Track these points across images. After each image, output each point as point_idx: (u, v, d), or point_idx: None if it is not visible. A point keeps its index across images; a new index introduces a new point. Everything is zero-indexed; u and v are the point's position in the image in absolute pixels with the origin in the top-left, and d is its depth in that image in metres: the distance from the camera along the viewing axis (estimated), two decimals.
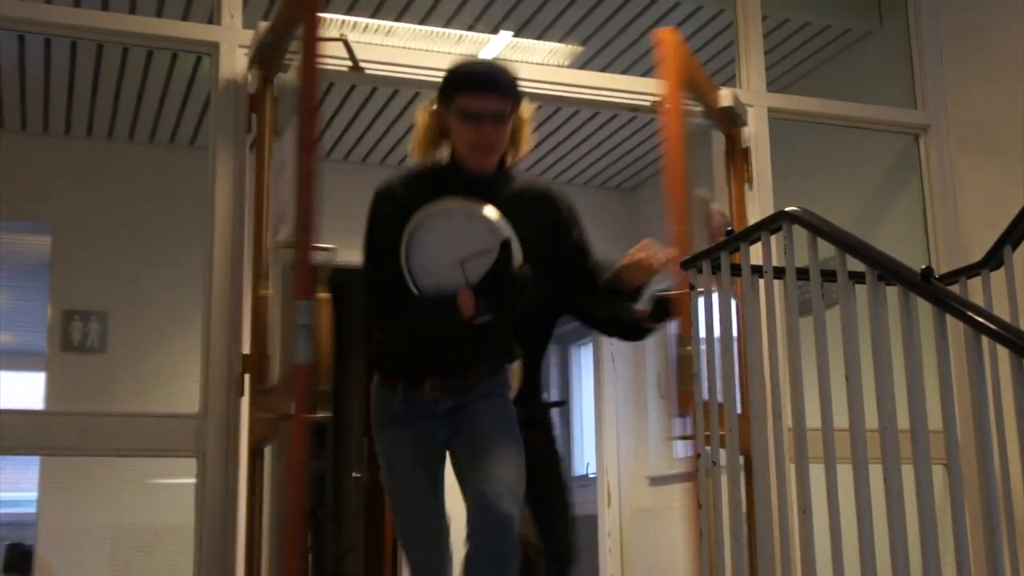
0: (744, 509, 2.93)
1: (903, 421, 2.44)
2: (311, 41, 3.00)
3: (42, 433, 3.53)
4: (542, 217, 2.89)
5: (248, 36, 3.85)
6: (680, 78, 3.67)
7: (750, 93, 4.45)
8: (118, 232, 6.34)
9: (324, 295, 3.01)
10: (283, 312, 3.11)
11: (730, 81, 4.56)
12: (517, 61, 5.32)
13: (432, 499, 2.79)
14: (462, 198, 2.73)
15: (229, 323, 3.65)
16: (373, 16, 5.06)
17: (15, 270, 8.77)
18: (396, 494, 2.80)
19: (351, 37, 5.05)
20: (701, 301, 3.01)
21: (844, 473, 2.48)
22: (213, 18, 3.93)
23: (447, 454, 2.83)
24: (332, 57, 3.95)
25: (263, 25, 3.69)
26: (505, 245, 2.63)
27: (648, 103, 4.34)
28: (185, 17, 4.65)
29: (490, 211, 2.66)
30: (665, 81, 3.65)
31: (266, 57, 3.70)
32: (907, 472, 2.44)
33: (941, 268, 4.25)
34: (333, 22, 5.07)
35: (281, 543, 2.82)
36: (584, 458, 8.76)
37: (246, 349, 3.64)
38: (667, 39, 3.67)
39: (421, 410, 2.77)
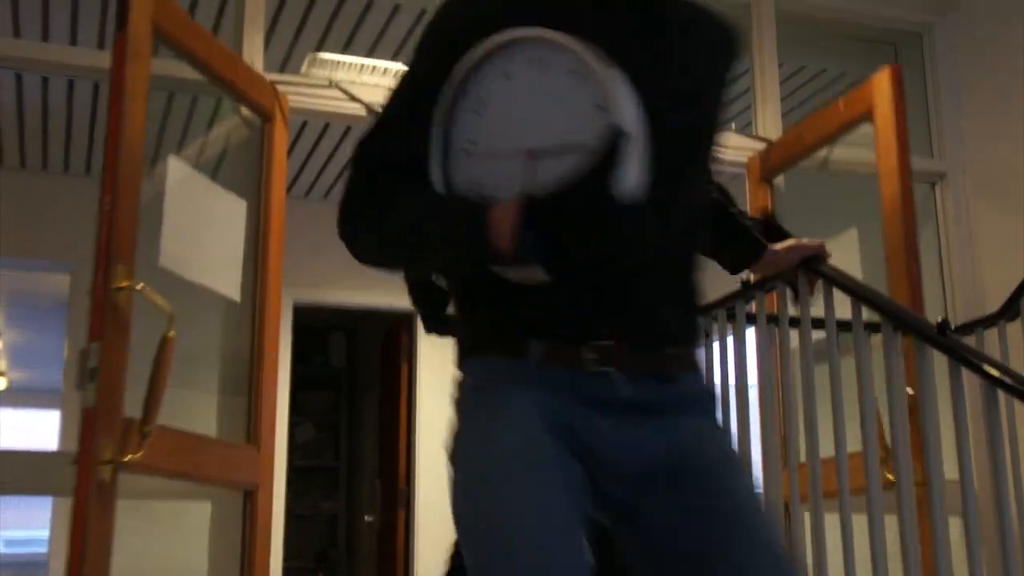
0: None
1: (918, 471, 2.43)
2: (117, 76, 2.97)
3: (56, 474, 3.52)
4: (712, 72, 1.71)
5: (270, 79, 3.89)
6: None
7: (767, 137, 4.45)
8: (138, 270, 6.35)
9: (171, 335, 2.94)
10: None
11: (747, 127, 4.56)
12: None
13: (573, 553, 1.45)
14: (583, 28, 1.50)
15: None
16: (394, 58, 5.09)
17: (34, 308, 8.82)
18: (503, 543, 1.48)
19: (371, 80, 5.10)
20: (717, 348, 3.01)
21: (859, 523, 2.47)
22: None
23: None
24: (338, 100, 3.99)
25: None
26: (616, 148, 1.40)
27: None
28: None
29: (615, 76, 1.44)
30: None
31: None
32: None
33: (958, 317, 4.23)
34: (351, 66, 5.11)
35: None
36: None
37: None
38: None
39: (573, 396, 1.53)
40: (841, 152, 4.24)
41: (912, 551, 2.39)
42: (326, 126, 5.86)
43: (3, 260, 6.50)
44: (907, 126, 3.73)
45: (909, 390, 2.87)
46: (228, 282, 3.46)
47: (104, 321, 2.73)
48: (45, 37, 4.82)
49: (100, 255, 2.77)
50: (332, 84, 3.95)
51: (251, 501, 3.42)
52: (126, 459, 2.73)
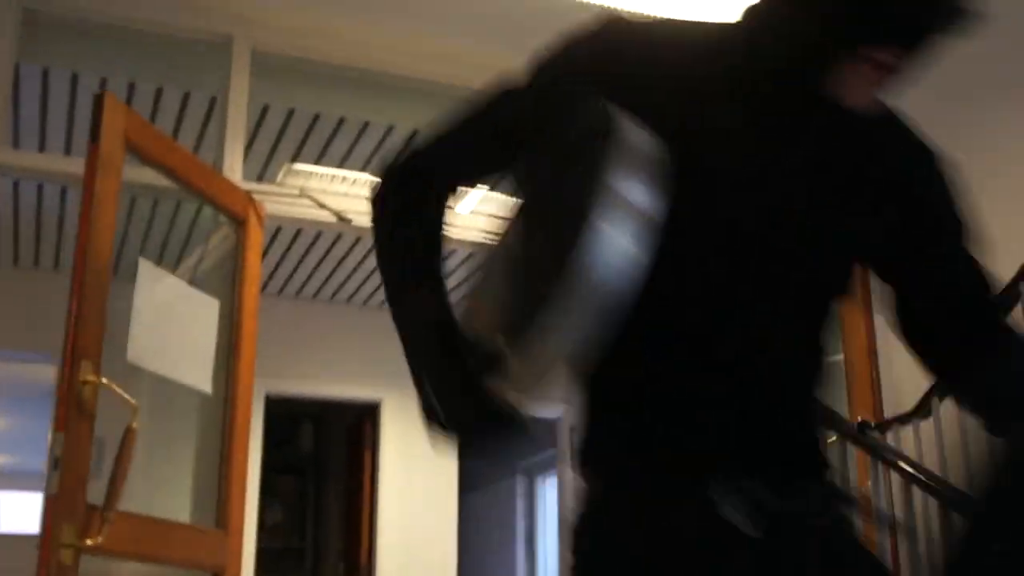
0: None
1: None
2: (87, 188, 2.98)
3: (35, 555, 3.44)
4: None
5: (248, 188, 3.89)
6: None
7: None
8: (120, 362, 6.29)
9: (133, 426, 2.92)
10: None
11: None
12: (490, 215, 5.38)
13: None
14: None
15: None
16: (363, 170, 5.14)
17: (21, 396, 8.69)
18: None
19: (342, 189, 5.13)
20: None
21: None
22: (215, 170, 3.97)
23: None
24: (311, 207, 4.00)
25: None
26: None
27: None
28: None
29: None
30: None
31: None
32: None
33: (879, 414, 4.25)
34: (323, 176, 5.14)
35: None
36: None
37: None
38: None
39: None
40: None
41: None
42: (298, 230, 5.87)
43: None
44: None
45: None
46: (199, 375, 3.43)
47: (68, 413, 2.71)
48: (16, 144, 4.83)
49: (67, 352, 2.76)
50: (302, 193, 3.97)
51: None
52: (88, 543, 2.66)
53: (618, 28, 1.25)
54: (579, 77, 1.22)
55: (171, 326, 3.33)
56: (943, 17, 1.14)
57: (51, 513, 2.61)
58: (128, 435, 2.81)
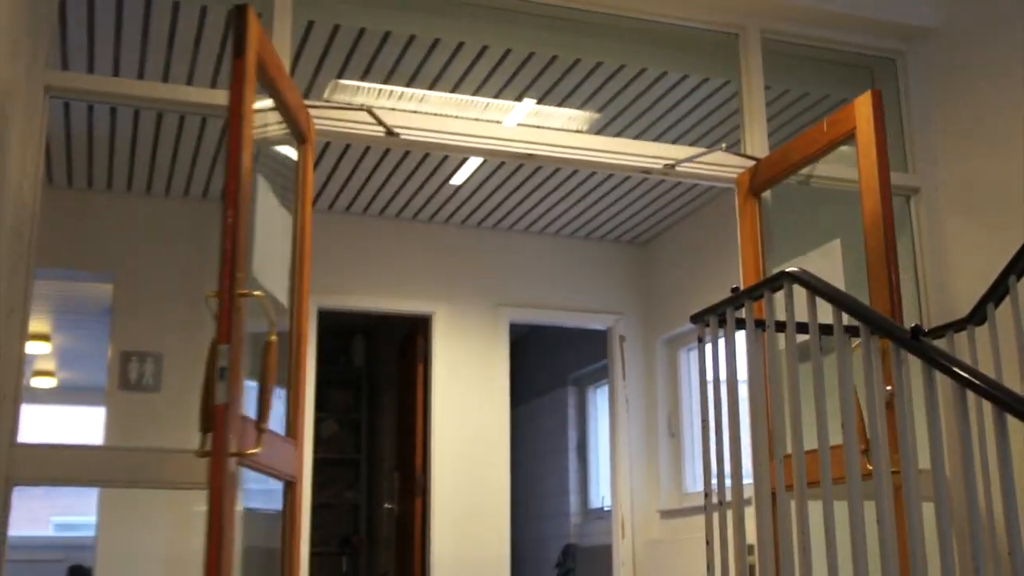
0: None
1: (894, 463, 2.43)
2: (234, 104, 2.97)
3: (102, 466, 3.55)
4: None
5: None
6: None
7: (755, 156, 4.47)
8: (173, 280, 6.41)
9: (272, 339, 2.98)
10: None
11: (736, 146, 4.57)
12: (539, 127, 5.37)
13: None
14: None
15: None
16: (408, 85, 5.12)
17: (80, 314, 8.87)
18: None
19: (388, 104, 5.13)
20: (709, 350, 3.02)
21: (840, 510, 2.48)
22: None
23: None
24: (367, 123, 4.00)
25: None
26: None
27: (659, 165, 4.36)
28: None
29: None
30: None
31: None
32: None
33: (932, 321, 4.23)
34: (371, 90, 5.14)
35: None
36: (600, 492, 8.72)
37: None
38: None
39: None
40: (824, 169, 4.25)
41: (889, 534, 2.40)
42: (347, 146, 5.89)
43: (52, 271, 6.54)
44: (887, 146, 3.73)
45: (888, 387, 2.88)
46: (282, 289, 3.51)
47: (231, 325, 2.75)
48: (90, 69, 4.87)
49: (225, 265, 2.81)
50: (363, 107, 3.95)
51: (291, 491, 3.45)
52: (249, 452, 2.78)
53: None
54: None
55: (269, 241, 3.39)
56: None
57: (221, 423, 2.67)
58: (270, 348, 2.88)
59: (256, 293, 2.88)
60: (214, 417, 2.68)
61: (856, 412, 2.66)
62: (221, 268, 2.83)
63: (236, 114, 2.94)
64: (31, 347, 9.23)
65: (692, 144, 4.92)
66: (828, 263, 4.04)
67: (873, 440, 2.43)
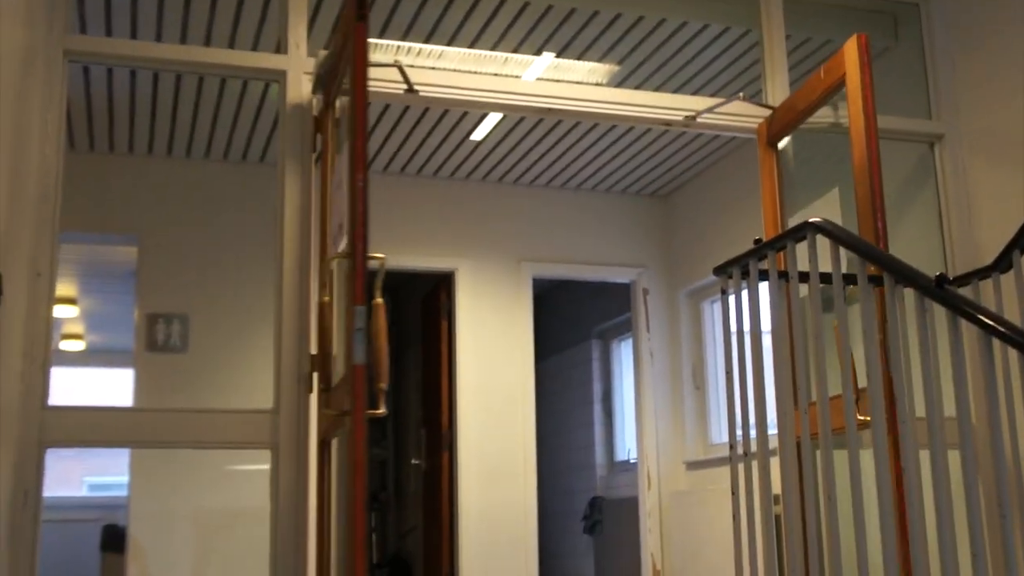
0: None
1: (921, 411, 2.43)
2: (360, 67, 3.01)
3: (133, 427, 3.60)
4: None
5: (312, 64, 3.90)
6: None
7: (772, 104, 4.43)
8: (197, 242, 6.44)
9: (379, 301, 3.03)
10: (343, 317, 3.11)
11: (757, 95, 4.54)
12: (558, 80, 5.34)
13: None
14: None
15: (298, 326, 3.69)
16: (426, 41, 5.10)
17: (106, 277, 8.93)
18: None
19: (406, 61, 5.10)
20: (732, 302, 3.01)
21: (868, 459, 2.48)
22: (280, 48, 3.97)
23: None
24: (388, 80, 3.99)
25: (322, 53, 3.71)
26: None
27: (680, 117, 4.33)
28: (255, 48, 4.71)
29: None
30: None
31: (326, 82, 3.74)
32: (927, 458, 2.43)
33: (957, 269, 4.21)
34: (389, 47, 5.12)
35: (347, 525, 2.83)
36: (626, 445, 8.76)
37: (313, 350, 3.68)
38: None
39: None
40: (828, 115, 4.20)
41: (913, 479, 2.41)
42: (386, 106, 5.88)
43: (76, 236, 6.59)
44: (874, 91, 3.65)
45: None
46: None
47: (364, 287, 2.85)
48: (108, 32, 4.87)
49: (357, 227, 2.86)
50: (395, 64, 3.94)
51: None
52: (379, 413, 2.88)
53: None
54: None
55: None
56: None
57: (360, 382, 2.76)
58: (379, 310, 2.94)
59: (380, 256, 2.95)
60: (352, 376, 2.75)
61: (881, 361, 2.66)
62: (352, 230, 2.88)
63: (361, 79, 2.97)
64: (59, 311, 9.32)
65: (713, 96, 4.88)
66: (828, 212, 4.01)
67: (897, 389, 2.43)
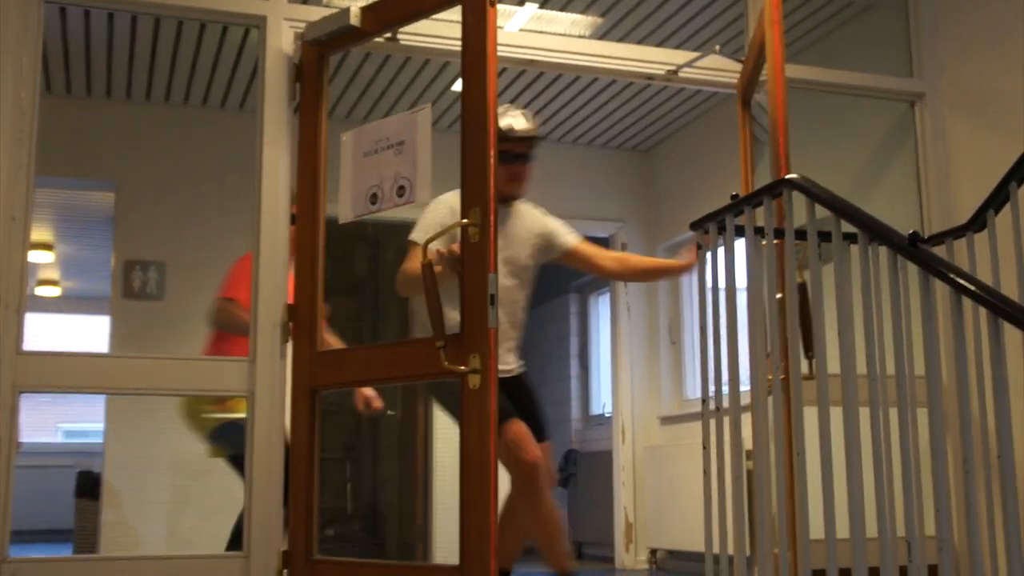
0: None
1: (892, 368, 2.46)
2: (491, 34, 3.10)
3: (108, 374, 3.60)
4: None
5: (293, 10, 3.86)
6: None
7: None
8: (175, 188, 6.41)
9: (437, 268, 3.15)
10: (469, 283, 3.10)
11: (739, 51, 4.53)
12: (540, 32, 5.31)
13: None
14: None
15: (276, 276, 3.69)
16: None
17: (82, 223, 8.88)
18: None
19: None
20: (709, 257, 3.03)
21: (836, 416, 2.52)
22: None
23: None
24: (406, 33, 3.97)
25: (353, 10, 3.59)
26: None
27: (662, 71, 4.33)
28: None
29: None
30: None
31: (339, 38, 3.66)
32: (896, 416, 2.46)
33: (933, 228, 4.24)
34: None
35: (476, 489, 2.92)
36: (601, 399, 8.82)
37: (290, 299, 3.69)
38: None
39: None
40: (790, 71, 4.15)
41: (883, 437, 2.45)
42: (346, 52, 5.83)
43: (53, 180, 6.54)
44: (783, 38, 3.56)
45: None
46: None
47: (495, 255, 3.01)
48: None
49: (490, 201, 3.02)
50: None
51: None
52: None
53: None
54: None
55: None
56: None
57: (494, 345, 2.97)
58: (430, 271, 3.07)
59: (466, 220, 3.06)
60: (483, 339, 2.95)
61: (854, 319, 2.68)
62: (486, 202, 3.01)
63: (493, 58, 3.09)
64: (34, 256, 9.27)
65: (697, 50, 4.87)
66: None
67: (869, 346, 2.46)
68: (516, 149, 3.68)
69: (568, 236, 4.01)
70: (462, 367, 2.97)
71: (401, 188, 3.37)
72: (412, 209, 3.54)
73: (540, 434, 3.64)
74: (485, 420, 2.92)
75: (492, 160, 3.03)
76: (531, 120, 3.75)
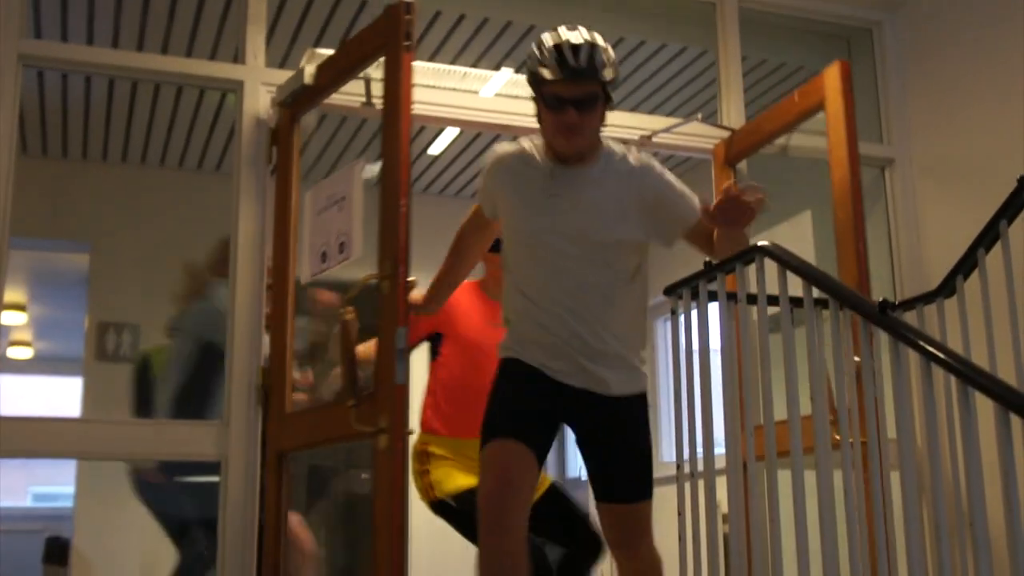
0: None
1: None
2: (405, 87, 3.11)
3: (81, 438, 3.57)
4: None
5: (270, 75, 3.90)
6: None
7: (731, 126, 4.49)
8: (150, 250, 6.40)
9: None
10: (381, 337, 3.07)
11: (712, 116, 4.60)
12: (516, 96, 5.37)
13: None
14: None
15: (250, 339, 3.69)
16: None
17: (57, 284, 8.84)
18: None
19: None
20: (682, 322, 3.05)
21: (810, 479, 2.53)
22: (238, 57, 3.98)
23: None
24: (347, 93, 4.00)
25: (308, 69, 3.66)
26: None
27: (635, 137, 4.38)
28: (212, 56, 4.71)
29: None
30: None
31: (302, 97, 3.71)
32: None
33: (905, 292, 4.29)
34: None
35: (382, 546, 2.85)
36: (577, 462, 8.79)
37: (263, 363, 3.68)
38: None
39: None
40: (797, 139, 4.28)
41: (856, 502, 2.46)
42: (323, 116, 5.87)
43: (27, 241, 6.53)
44: (855, 118, 3.77)
45: (856, 359, 2.93)
46: None
47: (405, 308, 3.00)
48: (64, 37, 4.84)
49: (401, 251, 3.02)
50: (363, 77, 3.94)
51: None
52: (410, 431, 2.94)
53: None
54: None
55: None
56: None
57: (401, 402, 2.88)
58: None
59: (412, 279, 2.98)
60: (392, 397, 2.85)
61: (826, 384, 2.71)
62: (396, 254, 2.99)
63: (406, 105, 3.13)
64: (7, 317, 9.20)
65: (670, 115, 4.94)
66: (799, 234, 4.08)
67: (840, 411, 2.48)
68: (558, 92, 2.72)
69: (693, 200, 2.86)
70: (369, 428, 2.90)
71: (342, 244, 3.37)
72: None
73: (631, 489, 2.96)
74: (395, 483, 2.82)
75: (404, 209, 3.05)
76: (583, 56, 2.71)
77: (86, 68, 4.09)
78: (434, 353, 3.63)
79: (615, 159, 2.84)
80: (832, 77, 3.82)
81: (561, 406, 2.79)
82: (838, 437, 2.63)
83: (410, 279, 3.05)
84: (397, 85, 3.12)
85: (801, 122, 4.07)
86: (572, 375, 2.77)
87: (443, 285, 3.28)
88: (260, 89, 3.89)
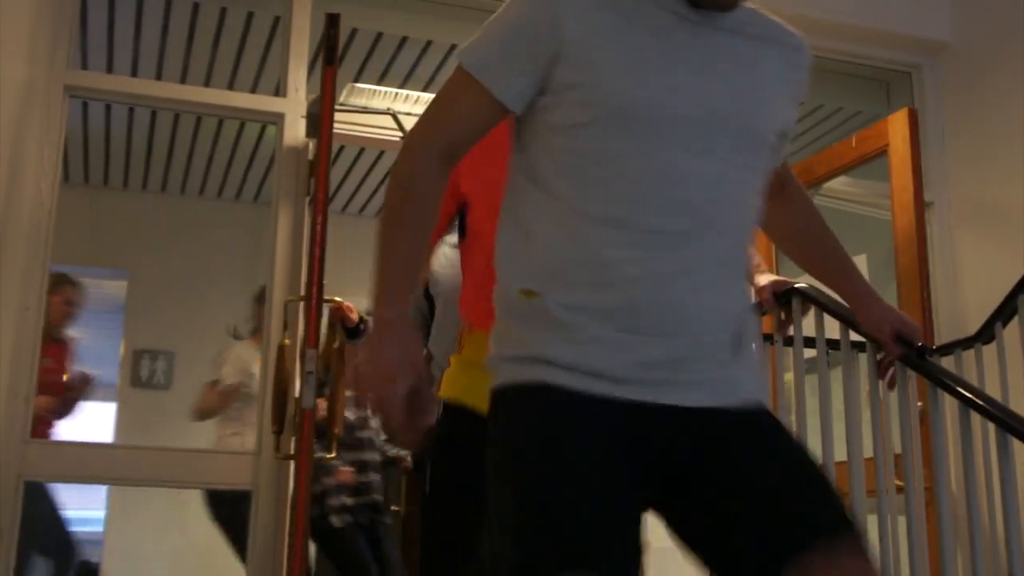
0: None
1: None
2: (327, 110, 3.05)
3: (113, 464, 3.59)
4: None
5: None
6: None
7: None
8: (187, 278, 6.46)
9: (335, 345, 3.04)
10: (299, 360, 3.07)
11: None
12: None
13: None
14: None
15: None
16: (424, 90, 5.15)
17: (93, 311, 8.90)
18: None
19: (404, 108, 5.16)
20: None
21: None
22: (280, 90, 4.01)
23: None
24: (383, 127, 4.04)
25: (311, 98, 3.73)
26: None
27: None
28: (254, 89, 4.76)
29: None
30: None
31: (315, 126, 3.75)
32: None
33: (942, 337, 4.24)
34: (387, 95, 5.17)
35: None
36: None
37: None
38: None
39: None
40: (838, 183, 4.27)
41: (888, 552, 2.42)
42: (361, 149, 5.92)
43: (67, 268, 6.59)
44: (921, 165, 3.78)
45: (920, 404, 2.90)
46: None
47: (316, 330, 2.97)
48: (109, 69, 4.92)
49: (314, 272, 2.98)
50: (388, 112, 3.99)
51: None
52: (330, 458, 3.05)
53: None
54: None
55: None
56: None
57: (308, 427, 2.86)
58: (339, 355, 3.04)
59: (337, 299, 2.96)
60: (300, 420, 2.76)
61: (882, 428, 2.68)
62: (309, 275, 2.88)
63: (327, 118, 3.11)
64: None
65: None
66: None
67: (876, 457, 2.45)
68: None
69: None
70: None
71: None
72: None
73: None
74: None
75: (319, 228, 3.01)
76: None
77: (130, 99, 4.14)
78: (463, 231, 2.37)
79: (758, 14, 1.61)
80: (899, 122, 3.82)
81: (656, 474, 1.44)
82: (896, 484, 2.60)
83: (336, 299, 3.02)
84: (321, 99, 3.21)
85: (858, 166, 4.07)
86: (690, 383, 1.43)
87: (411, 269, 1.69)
88: (300, 122, 3.91)
